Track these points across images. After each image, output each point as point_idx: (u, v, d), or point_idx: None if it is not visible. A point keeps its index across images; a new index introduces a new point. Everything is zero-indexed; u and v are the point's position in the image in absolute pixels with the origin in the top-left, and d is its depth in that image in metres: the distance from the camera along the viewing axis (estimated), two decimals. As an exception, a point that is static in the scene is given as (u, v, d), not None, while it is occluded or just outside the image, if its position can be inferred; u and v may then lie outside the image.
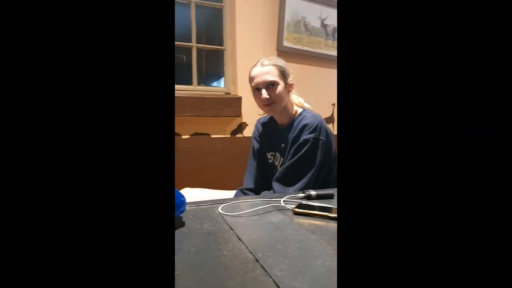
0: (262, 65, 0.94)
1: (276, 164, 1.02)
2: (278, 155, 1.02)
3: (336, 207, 0.62)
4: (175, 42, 1.58)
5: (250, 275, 0.36)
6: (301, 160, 0.89)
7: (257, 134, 1.10)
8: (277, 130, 1.03)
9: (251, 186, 1.07)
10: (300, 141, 0.90)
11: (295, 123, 0.94)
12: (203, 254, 0.42)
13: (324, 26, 1.85)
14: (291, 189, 0.88)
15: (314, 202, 0.69)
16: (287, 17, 1.74)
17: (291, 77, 0.97)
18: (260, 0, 1.71)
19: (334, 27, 1.88)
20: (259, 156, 1.09)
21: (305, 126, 0.90)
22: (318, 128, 0.90)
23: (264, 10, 1.72)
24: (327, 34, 1.87)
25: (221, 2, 1.71)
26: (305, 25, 1.80)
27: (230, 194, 1.10)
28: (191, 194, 1.10)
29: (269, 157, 1.07)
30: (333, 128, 1.97)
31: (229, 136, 1.70)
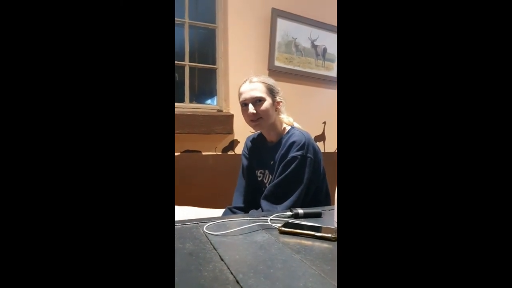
0: (251, 81, 0.96)
1: (265, 181, 1.01)
2: (267, 173, 1.01)
3: (323, 226, 0.62)
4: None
5: (228, 298, 0.35)
6: (289, 177, 0.89)
7: (247, 152, 1.10)
8: (266, 148, 1.03)
9: (240, 204, 1.05)
10: (287, 158, 0.90)
11: (283, 141, 0.94)
12: (181, 274, 0.40)
13: (314, 46, 1.90)
14: (279, 207, 0.87)
15: (301, 220, 0.69)
16: (278, 38, 1.78)
17: (279, 95, 0.98)
18: (252, 22, 1.75)
19: (324, 48, 1.93)
20: (249, 173, 1.08)
21: (293, 143, 0.91)
22: (305, 146, 0.90)
23: (256, 31, 1.76)
24: (317, 55, 1.92)
25: (215, 23, 1.76)
26: (296, 46, 1.84)
27: (219, 212, 1.08)
28: (178, 212, 1.08)
29: (259, 174, 1.06)
30: (323, 146, 1.98)
31: (220, 153, 1.70)
